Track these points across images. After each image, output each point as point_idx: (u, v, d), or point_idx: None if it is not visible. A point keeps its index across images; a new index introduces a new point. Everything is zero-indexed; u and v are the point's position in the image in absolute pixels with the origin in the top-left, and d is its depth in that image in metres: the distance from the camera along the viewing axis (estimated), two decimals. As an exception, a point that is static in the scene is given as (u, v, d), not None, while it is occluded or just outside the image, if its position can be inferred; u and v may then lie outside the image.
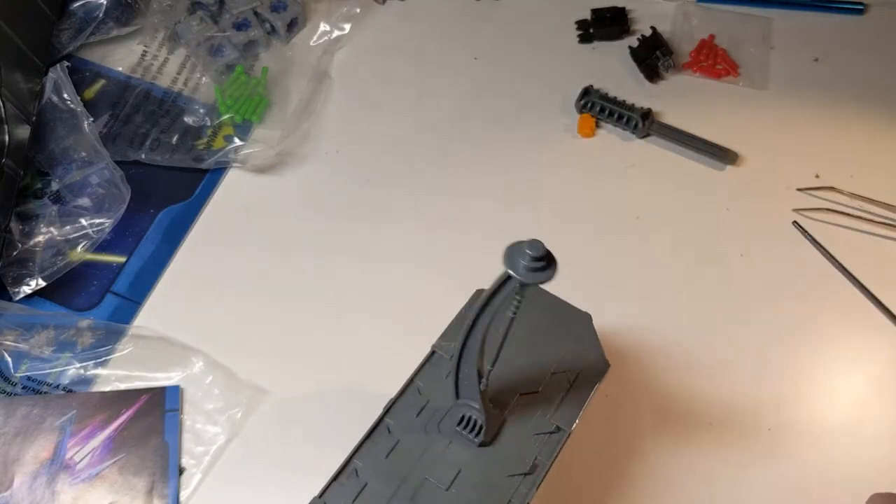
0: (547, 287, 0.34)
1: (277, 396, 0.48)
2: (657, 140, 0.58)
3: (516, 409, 0.39)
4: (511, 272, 0.29)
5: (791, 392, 0.48)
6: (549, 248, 0.29)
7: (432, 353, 0.41)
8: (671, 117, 0.59)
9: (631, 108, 0.58)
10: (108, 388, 0.48)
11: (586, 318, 0.42)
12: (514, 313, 0.32)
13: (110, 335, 0.49)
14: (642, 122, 0.57)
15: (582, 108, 0.59)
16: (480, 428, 0.37)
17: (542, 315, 0.42)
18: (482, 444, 0.38)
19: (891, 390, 0.48)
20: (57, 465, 0.45)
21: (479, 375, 0.36)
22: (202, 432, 0.47)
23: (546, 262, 0.29)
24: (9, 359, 0.48)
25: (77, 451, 0.45)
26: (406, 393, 0.39)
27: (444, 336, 0.41)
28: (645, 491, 0.45)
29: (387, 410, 0.39)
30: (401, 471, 0.37)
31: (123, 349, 0.49)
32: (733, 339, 0.50)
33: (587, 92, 0.59)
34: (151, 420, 0.46)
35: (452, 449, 0.38)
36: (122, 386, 0.48)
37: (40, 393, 0.47)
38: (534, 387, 0.40)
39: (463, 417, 0.38)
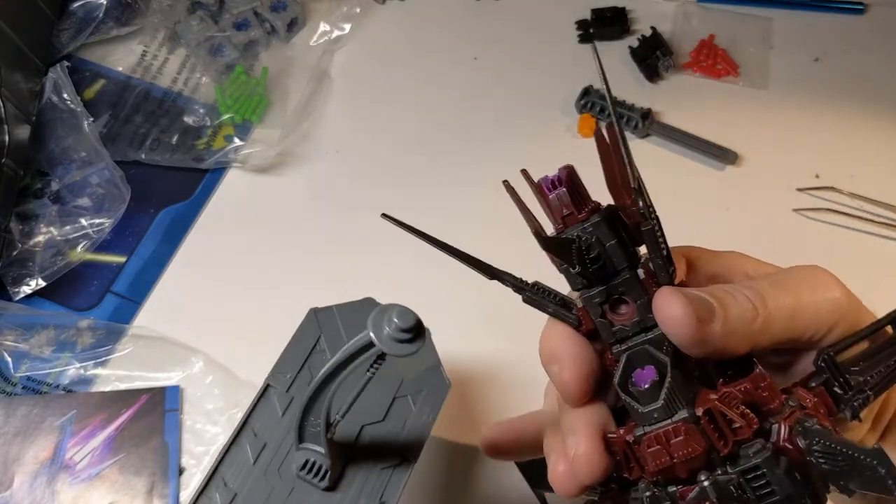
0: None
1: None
2: (657, 140, 0.58)
3: (362, 442, 0.37)
4: (374, 340, 0.28)
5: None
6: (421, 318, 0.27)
7: (266, 387, 0.38)
8: (671, 117, 0.59)
9: (631, 108, 0.58)
10: (108, 388, 0.48)
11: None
12: (372, 376, 0.31)
13: (110, 335, 0.49)
14: (642, 122, 0.57)
15: (582, 109, 0.59)
16: (326, 473, 0.35)
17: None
18: (327, 489, 0.36)
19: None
20: (57, 465, 0.45)
21: (328, 424, 0.34)
22: (202, 432, 0.47)
23: (414, 334, 0.28)
24: (9, 359, 0.48)
25: (77, 451, 0.45)
26: (241, 436, 0.37)
27: (278, 367, 0.39)
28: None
29: (220, 460, 0.36)
30: None
31: (123, 349, 0.49)
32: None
33: (587, 92, 0.59)
34: (151, 420, 0.46)
35: (296, 495, 0.36)
36: (122, 386, 0.48)
37: (40, 393, 0.47)
38: (378, 416, 0.38)
39: (307, 462, 0.35)
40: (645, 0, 0.65)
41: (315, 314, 0.40)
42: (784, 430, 0.24)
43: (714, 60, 0.61)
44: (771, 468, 0.23)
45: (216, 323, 0.51)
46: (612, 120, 0.25)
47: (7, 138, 0.50)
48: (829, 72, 0.62)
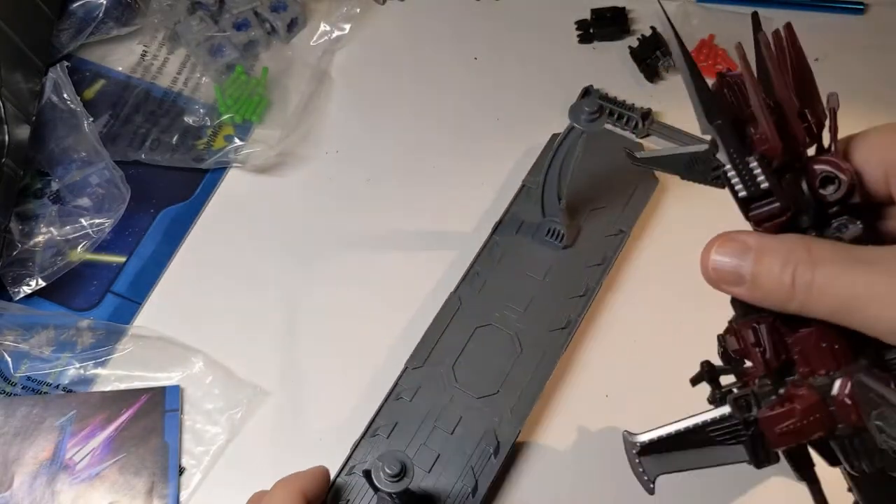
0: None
1: (278, 396, 0.48)
2: (657, 140, 0.58)
3: (589, 220, 0.51)
4: (574, 124, 0.42)
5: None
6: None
7: (522, 187, 0.53)
8: (671, 117, 0.59)
9: (631, 108, 0.58)
10: (108, 389, 0.48)
11: (637, 146, 0.53)
12: (578, 153, 0.45)
13: (110, 335, 0.49)
14: (642, 122, 0.57)
15: None
16: (562, 235, 0.49)
17: (602, 149, 0.52)
18: (565, 248, 0.50)
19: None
20: (57, 465, 0.45)
21: (559, 197, 0.47)
22: (202, 432, 0.47)
23: (598, 113, 0.42)
24: (8, 359, 0.48)
25: (77, 451, 0.45)
26: (506, 217, 0.52)
27: (529, 175, 0.54)
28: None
29: (475, 259, 0.50)
30: (510, 267, 0.50)
31: (123, 349, 0.49)
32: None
33: (587, 92, 0.59)
34: (151, 420, 0.46)
35: (543, 252, 0.50)
36: (122, 386, 0.48)
37: (40, 393, 0.47)
38: (601, 203, 0.52)
39: (549, 230, 0.50)
40: (645, 0, 0.65)
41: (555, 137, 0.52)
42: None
43: (714, 60, 0.61)
44: None
45: (216, 323, 0.51)
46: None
47: (7, 138, 0.50)
48: (829, 72, 0.62)
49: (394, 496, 0.37)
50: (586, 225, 0.51)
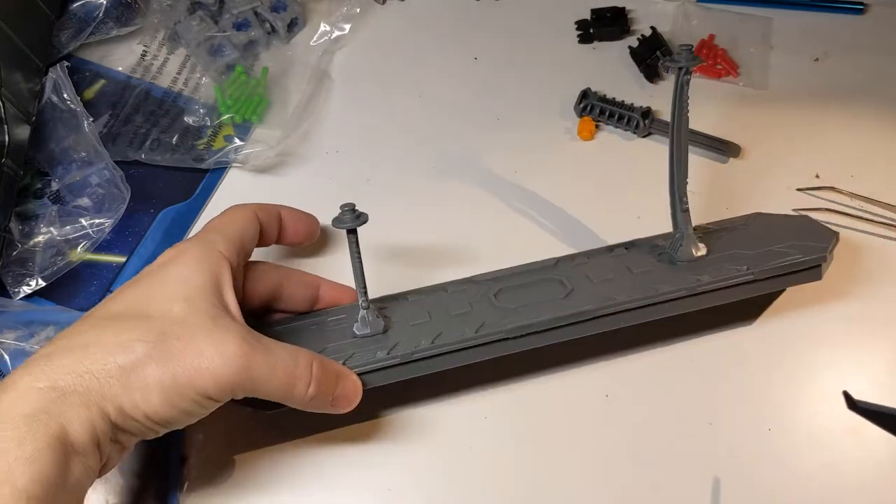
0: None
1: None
2: (659, 138, 0.58)
3: (726, 257, 0.46)
4: (681, 64, 0.42)
5: (792, 392, 0.48)
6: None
7: None
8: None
9: (630, 107, 0.58)
10: None
11: (831, 235, 0.47)
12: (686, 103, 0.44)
13: None
14: (643, 122, 0.57)
15: (582, 112, 0.59)
16: (680, 245, 0.46)
17: (794, 230, 0.48)
18: (672, 262, 0.46)
19: (891, 390, 0.48)
20: None
21: (685, 174, 0.46)
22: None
23: (692, 49, 0.43)
24: (7, 358, 0.48)
25: None
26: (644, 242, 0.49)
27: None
28: (645, 490, 0.45)
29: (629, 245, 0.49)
30: (614, 265, 0.47)
31: None
32: (733, 337, 0.50)
33: (585, 95, 0.59)
34: None
35: (656, 261, 0.47)
36: None
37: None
38: (749, 249, 0.46)
39: (674, 240, 0.47)
40: (645, 0, 0.65)
41: None
42: None
43: (714, 60, 0.61)
44: None
45: (216, 323, 0.51)
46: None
47: (7, 138, 0.50)
48: (829, 72, 0.62)
49: (354, 246, 0.42)
50: (719, 258, 0.46)
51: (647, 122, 0.57)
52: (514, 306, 0.45)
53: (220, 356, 0.35)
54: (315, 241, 0.52)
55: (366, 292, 0.43)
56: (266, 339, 0.38)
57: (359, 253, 0.42)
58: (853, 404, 0.32)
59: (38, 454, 0.30)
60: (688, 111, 0.44)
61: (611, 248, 0.49)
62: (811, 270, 0.46)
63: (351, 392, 0.41)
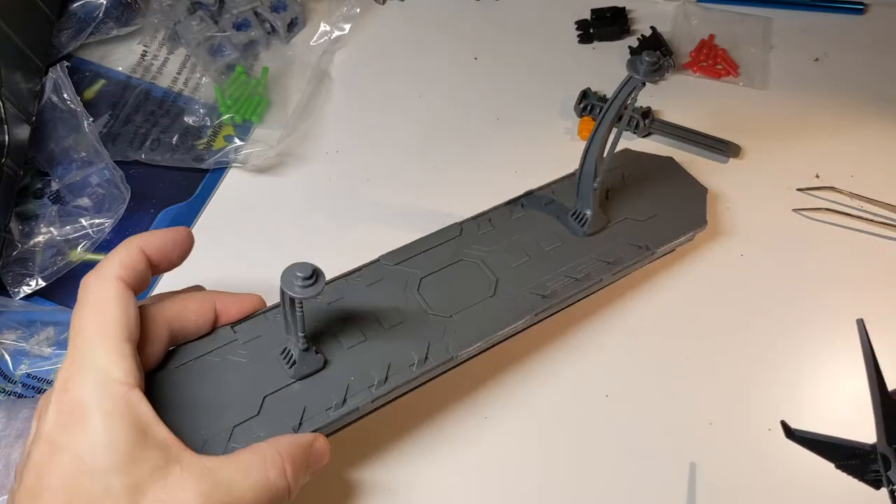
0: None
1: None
2: (659, 138, 0.58)
3: (623, 225, 0.49)
4: (633, 74, 0.40)
5: (791, 392, 0.48)
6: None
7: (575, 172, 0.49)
8: (671, 117, 0.59)
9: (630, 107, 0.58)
10: None
11: (702, 191, 0.52)
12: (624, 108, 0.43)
13: None
14: (643, 121, 0.57)
15: (582, 112, 0.59)
16: (587, 220, 0.48)
17: (666, 179, 0.52)
18: (586, 235, 0.48)
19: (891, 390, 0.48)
20: None
21: (596, 173, 0.46)
22: None
23: (660, 63, 0.40)
24: (8, 358, 0.48)
25: None
26: (542, 190, 0.50)
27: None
28: (645, 490, 0.45)
29: (527, 194, 0.50)
30: (521, 228, 0.48)
31: None
32: (733, 338, 0.50)
33: (585, 95, 0.59)
34: None
35: (560, 229, 0.48)
36: None
37: (41, 391, 0.47)
38: (638, 217, 0.50)
39: (576, 212, 0.48)
40: (645, 0, 0.65)
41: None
42: None
43: (714, 60, 0.61)
44: None
45: (216, 323, 0.51)
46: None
47: (7, 138, 0.50)
48: (829, 72, 0.62)
49: (299, 310, 0.36)
50: (617, 227, 0.49)
51: (647, 122, 0.57)
52: (448, 314, 0.43)
53: None
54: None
55: (305, 335, 0.38)
56: (223, 470, 0.33)
57: (302, 312, 0.37)
58: (790, 433, 0.33)
59: None
60: (622, 113, 0.44)
61: (509, 209, 0.49)
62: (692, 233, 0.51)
63: (323, 457, 0.38)
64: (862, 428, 0.47)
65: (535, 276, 0.46)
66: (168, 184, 0.56)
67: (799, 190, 0.56)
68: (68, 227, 0.52)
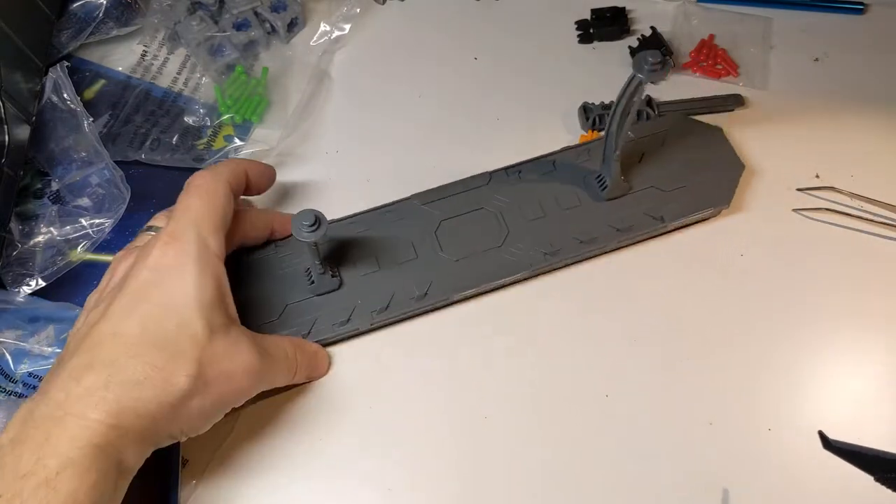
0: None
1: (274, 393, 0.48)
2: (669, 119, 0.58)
3: (644, 194, 0.51)
4: (637, 73, 0.42)
5: (791, 392, 0.48)
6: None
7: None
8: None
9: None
10: None
11: (738, 167, 0.53)
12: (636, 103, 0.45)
13: None
14: (648, 109, 0.57)
15: (592, 127, 0.58)
16: (606, 185, 0.50)
17: (706, 150, 0.53)
18: (605, 199, 0.50)
19: (891, 390, 0.49)
20: None
21: (615, 147, 0.47)
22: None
23: (662, 63, 0.41)
24: (9, 357, 0.48)
25: None
26: (575, 149, 0.53)
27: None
28: (645, 490, 0.45)
29: (563, 150, 0.54)
30: (546, 182, 0.51)
31: None
32: (733, 338, 0.50)
33: (586, 109, 0.58)
34: None
35: (581, 191, 0.51)
36: None
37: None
38: (664, 187, 0.51)
39: (599, 175, 0.51)
40: (645, 0, 0.65)
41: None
42: None
43: (714, 60, 0.61)
44: None
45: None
46: None
47: (7, 138, 0.50)
48: (829, 72, 0.62)
49: (312, 246, 0.43)
50: (639, 195, 0.51)
51: (653, 108, 0.57)
52: (456, 257, 0.49)
53: (244, 375, 0.40)
54: None
55: (320, 262, 0.46)
56: (264, 342, 0.43)
57: (317, 246, 0.44)
58: (828, 443, 0.32)
59: (99, 482, 0.34)
60: (630, 112, 0.46)
61: (540, 164, 0.52)
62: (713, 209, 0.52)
63: (323, 368, 0.48)
64: (863, 428, 0.47)
65: (545, 233, 0.49)
66: (168, 184, 0.56)
67: (799, 190, 0.56)
68: (68, 227, 0.52)
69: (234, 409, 0.42)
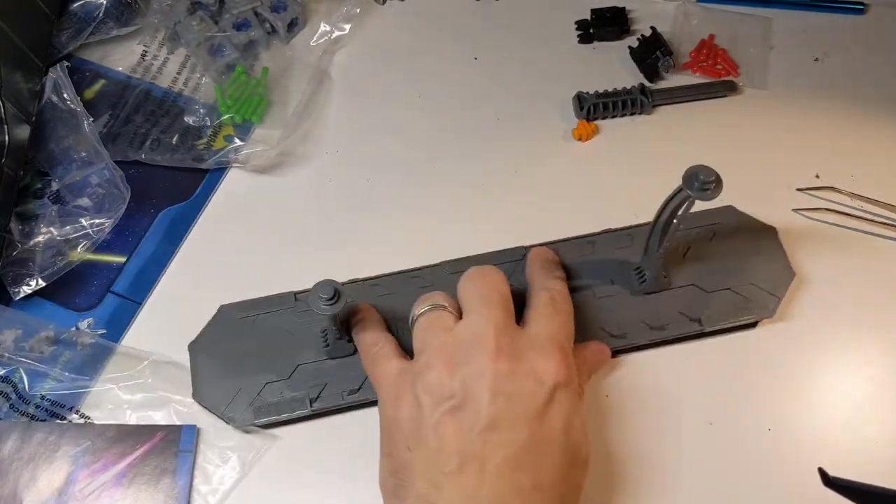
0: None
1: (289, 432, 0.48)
2: (666, 109, 0.58)
3: (685, 292, 0.48)
4: (687, 190, 0.39)
5: (791, 392, 0.48)
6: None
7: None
8: (671, 117, 0.59)
9: (629, 91, 0.58)
10: (125, 415, 0.47)
11: (789, 275, 0.50)
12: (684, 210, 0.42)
13: (129, 359, 0.49)
14: (642, 97, 0.57)
15: (587, 116, 0.58)
16: (645, 279, 0.48)
17: (755, 250, 0.50)
18: (642, 293, 0.48)
19: (891, 390, 0.49)
20: (66, 496, 0.44)
21: (659, 245, 0.45)
22: (212, 472, 0.46)
23: (715, 183, 0.39)
24: (26, 378, 0.48)
25: (87, 484, 0.44)
26: (612, 234, 0.51)
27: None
28: (645, 490, 0.45)
29: (602, 232, 0.51)
30: (582, 265, 0.49)
31: (140, 377, 0.48)
32: (733, 338, 0.50)
33: (581, 98, 0.58)
34: (164, 459, 0.45)
35: (617, 278, 0.49)
36: (135, 416, 0.47)
37: (54, 415, 0.47)
38: (707, 286, 0.49)
39: (638, 268, 0.48)
40: (645, 0, 0.65)
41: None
42: None
43: (714, 60, 0.61)
44: None
45: (216, 323, 0.51)
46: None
47: (7, 138, 0.50)
48: (829, 72, 0.62)
49: (331, 318, 0.42)
50: (678, 292, 0.48)
51: (647, 96, 0.58)
52: None
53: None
54: None
55: (338, 328, 0.45)
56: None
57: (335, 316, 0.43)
58: (828, 481, 0.32)
59: None
60: (672, 223, 0.44)
61: (580, 244, 0.50)
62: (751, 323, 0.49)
63: None
64: (863, 428, 0.47)
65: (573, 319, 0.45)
66: (168, 184, 0.56)
67: (799, 190, 0.56)
68: (68, 227, 0.52)
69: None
